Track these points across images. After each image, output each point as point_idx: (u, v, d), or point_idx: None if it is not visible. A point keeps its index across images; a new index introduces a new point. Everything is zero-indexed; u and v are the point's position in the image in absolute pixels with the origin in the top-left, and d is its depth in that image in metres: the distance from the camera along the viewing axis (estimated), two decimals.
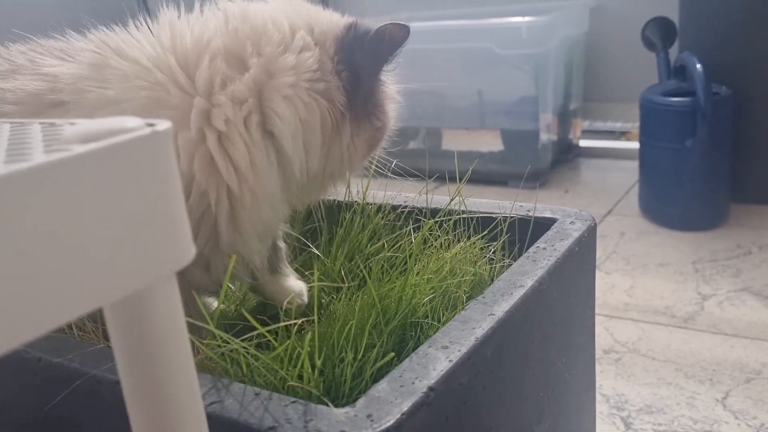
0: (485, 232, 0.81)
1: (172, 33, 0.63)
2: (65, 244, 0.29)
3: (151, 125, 0.34)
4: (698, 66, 1.65)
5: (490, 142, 2.27)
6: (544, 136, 2.21)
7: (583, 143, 2.52)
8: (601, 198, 2.06)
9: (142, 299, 0.35)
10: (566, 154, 2.43)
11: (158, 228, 0.33)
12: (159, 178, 0.34)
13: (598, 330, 1.17)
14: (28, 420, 0.65)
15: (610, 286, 1.52)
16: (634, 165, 1.99)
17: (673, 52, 1.89)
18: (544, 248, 0.73)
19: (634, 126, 2.46)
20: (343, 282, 0.77)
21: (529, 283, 0.66)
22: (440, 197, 0.88)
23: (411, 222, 0.85)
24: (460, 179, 0.85)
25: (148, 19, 0.66)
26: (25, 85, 0.62)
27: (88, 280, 0.30)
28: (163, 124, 0.34)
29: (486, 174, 2.16)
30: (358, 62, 0.66)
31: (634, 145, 2.08)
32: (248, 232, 0.64)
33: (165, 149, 0.34)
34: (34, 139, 0.35)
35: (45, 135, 0.36)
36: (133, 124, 0.33)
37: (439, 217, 0.82)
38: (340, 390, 0.57)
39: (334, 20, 0.68)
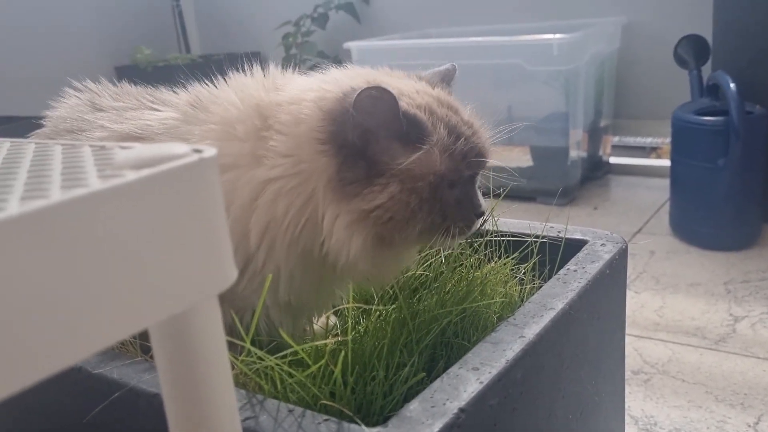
0: (516, 253, 0.81)
1: (247, 96, 0.66)
2: (117, 267, 0.30)
3: (198, 151, 0.35)
4: (731, 85, 1.63)
5: (519, 158, 2.27)
6: (574, 153, 2.21)
7: (613, 160, 2.50)
8: (631, 216, 2.04)
9: (186, 319, 0.36)
10: (596, 171, 2.41)
11: (203, 251, 0.34)
12: (205, 203, 0.35)
13: (627, 350, 1.15)
14: (67, 430, 0.66)
15: (640, 305, 1.51)
16: (664, 183, 1.97)
17: (706, 70, 1.88)
18: (575, 270, 0.73)
19: (664, 142, 2.44)
20: (373, 298, 0.77)
21: (559, 305, 0.66)
22: None
23: None
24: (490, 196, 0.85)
25: (232, 77, 0.69)
26: (131, 130, 0.68)
27: (137, 301, 0.31)
28: (209, 151, 0.35)
29: (514, 190, 2.15)
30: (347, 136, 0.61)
31: (665, 162, 2.06)
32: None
33: (211, 175, 0.35)
34: (86, 163, 0.37)
35: (96, 159, 0.38)
36: (180, 150, 0.34)
37: (470, 238, 0.83)
38: (371, 408, 0.58)
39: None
